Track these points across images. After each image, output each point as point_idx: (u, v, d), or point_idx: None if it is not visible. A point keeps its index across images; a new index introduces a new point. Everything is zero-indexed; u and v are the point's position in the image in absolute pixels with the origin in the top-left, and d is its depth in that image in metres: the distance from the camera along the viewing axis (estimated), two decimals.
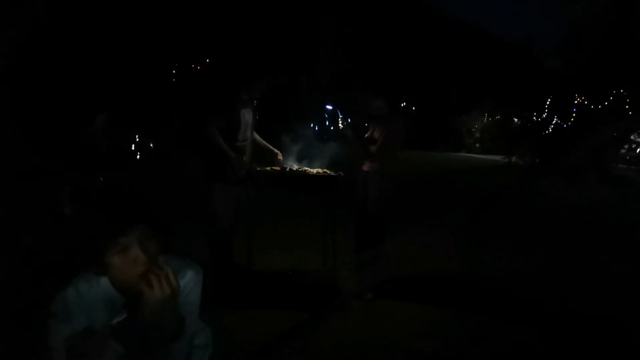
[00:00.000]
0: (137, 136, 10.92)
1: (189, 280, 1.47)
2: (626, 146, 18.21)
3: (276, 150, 4.18)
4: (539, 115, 20.45)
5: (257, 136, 4.09)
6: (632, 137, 17.70)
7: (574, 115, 16.84)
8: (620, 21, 15.12)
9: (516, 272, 4.73)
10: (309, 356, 2.84)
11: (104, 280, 1.40)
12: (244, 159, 3.84)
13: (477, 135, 27.31)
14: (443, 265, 4.83)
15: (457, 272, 4.68)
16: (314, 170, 3.92)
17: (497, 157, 19.49)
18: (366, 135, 4.11)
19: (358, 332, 3.17)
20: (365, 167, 4.05)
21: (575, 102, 18.21)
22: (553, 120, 18.10)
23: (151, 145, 12.33)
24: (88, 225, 1.38)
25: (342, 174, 3.84)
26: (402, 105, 24.77)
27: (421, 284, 4.21)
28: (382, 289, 3.82)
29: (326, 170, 3.93)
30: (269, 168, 3.90)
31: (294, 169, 3.94)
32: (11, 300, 2.57)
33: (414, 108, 29.24)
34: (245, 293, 3.55)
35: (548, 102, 19.72)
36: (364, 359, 2.90)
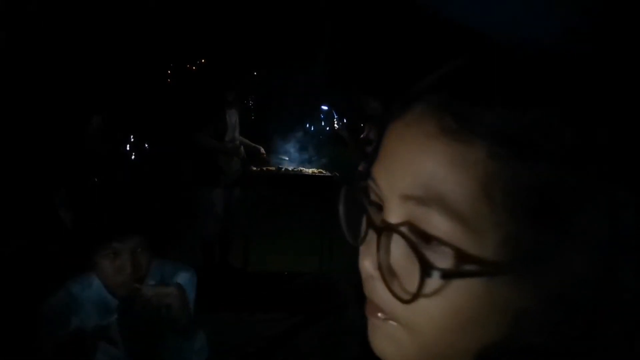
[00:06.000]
0: (132, 137, 10.86)
1: (183, 284, 1.46)
2: None
3: (257, 146, 4.12)
4: None
5: (240, 136, 4.04)
6: None
7: None
8: (615, 23, 15.25)
9: None
10: (304, 358, 2.83)
11: (96, 282, 1.39)
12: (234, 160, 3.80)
13: None
14: None
15: None
16: (310, 171, 3.91)
17: None
18: (362, 135, 4.10)
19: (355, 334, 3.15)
20: (361, 168, 4.04)
21: None
22: None
23: (146, 146, 12.27)
24: (83, 227, 1.37)
25: (337, 174, 3.83)
26: None
27: None
28: None
29: (322, 171, 3.92)
30: (264, 168, 3.88)
31: (289, 170, 3.92)
32: (2, 303, 2.54)
33: None
34: (240, 295, 3.53)
35: None
36: None
